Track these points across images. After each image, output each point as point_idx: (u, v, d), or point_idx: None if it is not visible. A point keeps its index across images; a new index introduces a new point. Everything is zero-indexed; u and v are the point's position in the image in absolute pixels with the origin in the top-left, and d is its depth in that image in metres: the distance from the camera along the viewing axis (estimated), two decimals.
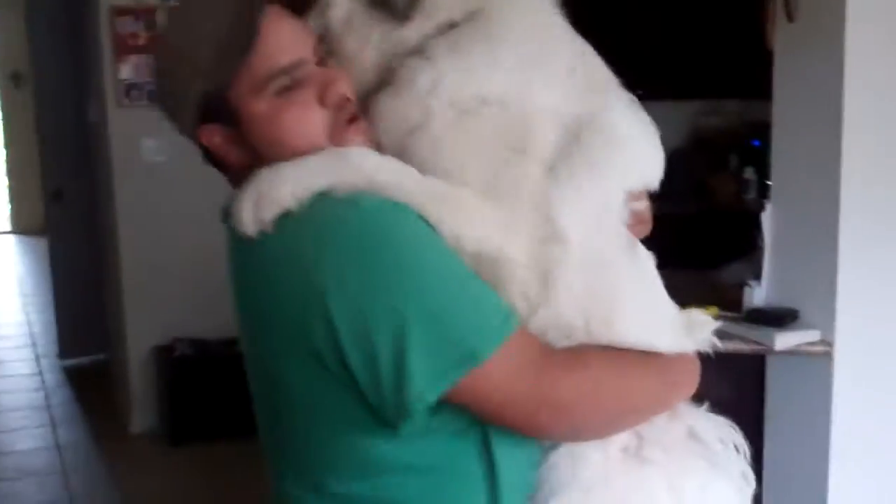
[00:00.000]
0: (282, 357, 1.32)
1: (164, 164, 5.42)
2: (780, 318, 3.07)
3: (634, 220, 1.45)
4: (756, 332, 3.05)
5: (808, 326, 3.04)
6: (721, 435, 1.53)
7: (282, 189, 1.28)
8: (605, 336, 1.37)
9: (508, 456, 1.36)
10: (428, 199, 1.29)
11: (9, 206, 12.68)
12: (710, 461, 1.49)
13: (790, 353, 3.03)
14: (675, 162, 5.24)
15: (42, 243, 11.39)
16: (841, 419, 3.05)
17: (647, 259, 1.49)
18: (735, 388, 3.36)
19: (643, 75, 5.76)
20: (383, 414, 1.27)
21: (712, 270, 3.71)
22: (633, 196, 1.44)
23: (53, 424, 5.91)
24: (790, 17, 2.92)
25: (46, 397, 6.43)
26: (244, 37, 1.31)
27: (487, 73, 1.35)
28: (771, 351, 3.01)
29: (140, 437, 5.62)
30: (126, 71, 5.43)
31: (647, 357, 1.40)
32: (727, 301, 3.24)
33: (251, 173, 1.33)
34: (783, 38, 3.03)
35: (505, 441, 1.35)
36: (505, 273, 1.31)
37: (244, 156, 1.38)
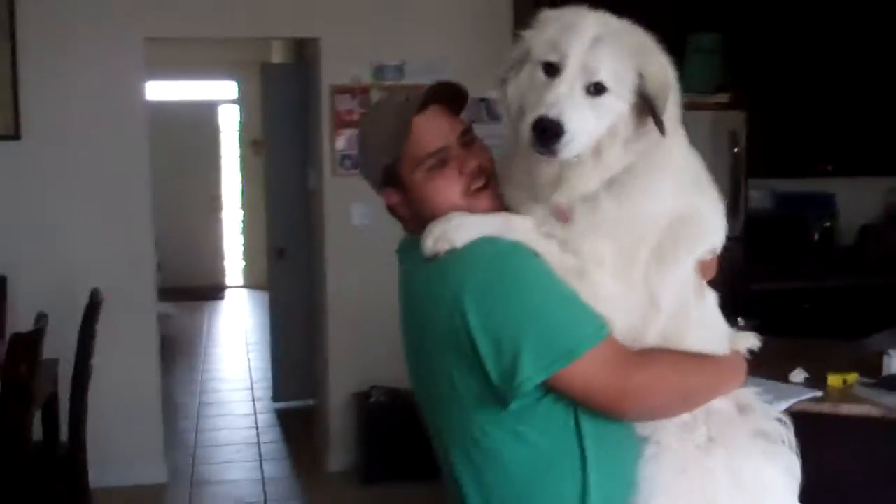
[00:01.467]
0: (435, 351, 1.87)
1: (370, 227, 5.96)
2: None
3: (703, 270, 1.95)
4: (888, 398, 3.22)
5: None
6: (779, 430, 1.97)
7: (459, 233, 1.83)
8: (676, 347, 1.88)
9: (594, 436, 1.83)
10: (559, 265, 1.81)
11: (242, 263, 13.69)
12: (767, 451, 1.93)
13: None
14: (868, 236, 5.48)
15: (267, 298, 12.33)
16: None
17: (710, 294, 1.99)
18: (869, 457, 3.50)
19: (838, 152, 6.02)
20: (501, 393, 1.77)
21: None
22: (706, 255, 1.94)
23: (261, 459, 6.49)
24: None
25: (258, 435, 7.05)
26: (403, 130, 1.89)
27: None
28: None
29: (336, 475, 6.11)
30: (341, 143, 6.01)
31: (702, 357, 1.89)
32: (870, 368, 3.43)
33: (418, 223, 1.92)
34: None
35: (591, 423, 1.82)
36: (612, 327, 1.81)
37: (412, 211, 1.97)
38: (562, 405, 1.81)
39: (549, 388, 1.78)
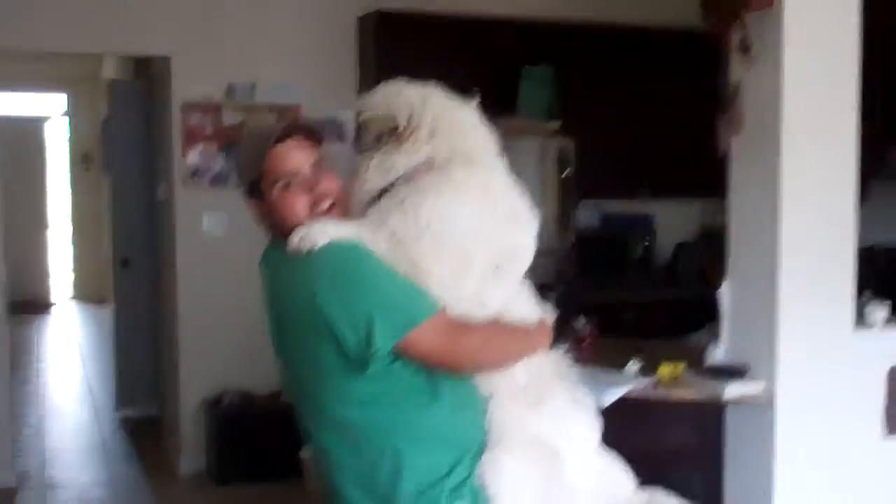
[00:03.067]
0: (299, 333, 2.28)
1: (221, 237, 6.18)
2: (733, 372, 3.74)
3: None
4: (712, 384, 3.71)
5: (756, 378, 3.71)
6: (585, 396, 2.51)
7: (317, 237, 2.22)
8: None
9: (443, 383, 2.28)
10: (401, 264, 2.25)
11: (72, 277, 13.55)
12: (577, 399, 2.47)
13: (738, 401, 3.69)
14: (683, 253, 6.00)
15: (98, 311, 12.25)
16: (782, 456, 3.70)
17: (528, 287, 2.52)
18: (701, 434, 4.02)
19: (656, 176, 6.54)
20: (358, 360, 2.18)
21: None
22: None
23: (109, 463, 6.59)
24: (736, 131, 3.67)
25: (103, 441, 7.13)
26: (261, 155, 2.32)
27: (452, 210, 2.32)
28: (720, 399, 3.67)
29: (187, 477, 6.26)
30: (193, 157, 6.18)
31: (517, 326, 2.41)
32: (694, 360, 3.92)
33: (276, 230, 2.35)
34: (734, 147, 3.78)
35: (441, 380, 2.27)
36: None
37: (271, 220, 2.36)
38: (411, 365, 2.26)
39: (398, 354, 2.22)
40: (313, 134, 2.42)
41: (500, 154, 2.51)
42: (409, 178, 2.32)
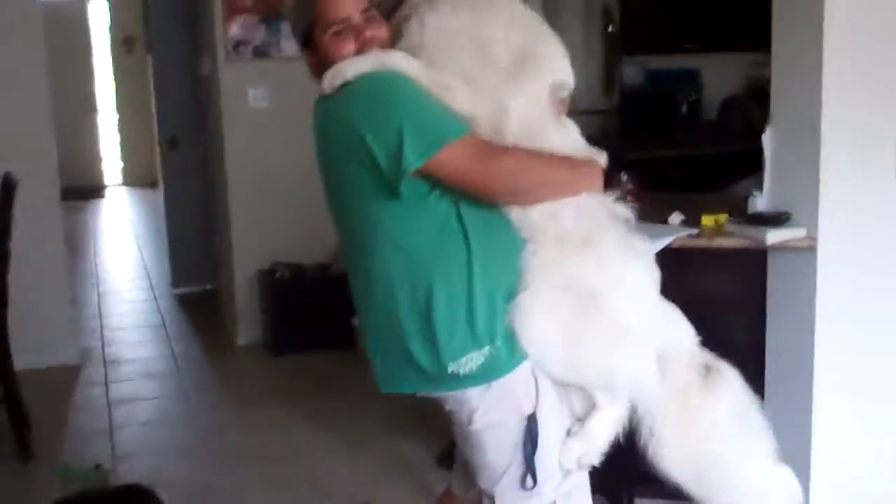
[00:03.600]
0: (342, 164, 2.34)
1: (267, 110, 6.23)
2: (775, 219, 3.71)
3: (560, 103, 2.49)
4: (754, 231, 3.69)
5: (797, 225, 3.68)
6: (643, 244, 2.46)
7: (346, 69, 2.31)
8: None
9: (475, 225, 2.30)
10: (427, 81, 2.31)
11: (120, 163, 13.68)
12: (631, 257, 2.41)
13: (781, 247, 3.67)
14: (730, 108, 5.98)
15: (148, 195, 12.41)
16: (824, 302, 3.69)
17: (569, 123, 2.51)
18: (743, 282, 4.02)
19: (702, 29, 6.43)
20: (393, 181, 2.23)
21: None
22: (556, 90, 2.46)
23: (169, 339, 6.78)
24: None
25: (162, 317, 7.31)
26: (312, 3, 2.36)
27: (454, 13, 2.39)
28: (764, 245, 3.66)
29: (245, 349, 6.45)
30: (235, 29, 6.20)
31: (560, 156, 2.37)
32: (738, 209, 3.90)
33: None
34: None
35: (472, 214, 2.30)
36: (473, 125, 2.30)
37: (324, 69, 2.38)
38: (444, 200, 2.30)
39: (432, 184, 2.27)
40: None
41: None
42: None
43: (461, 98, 2.30)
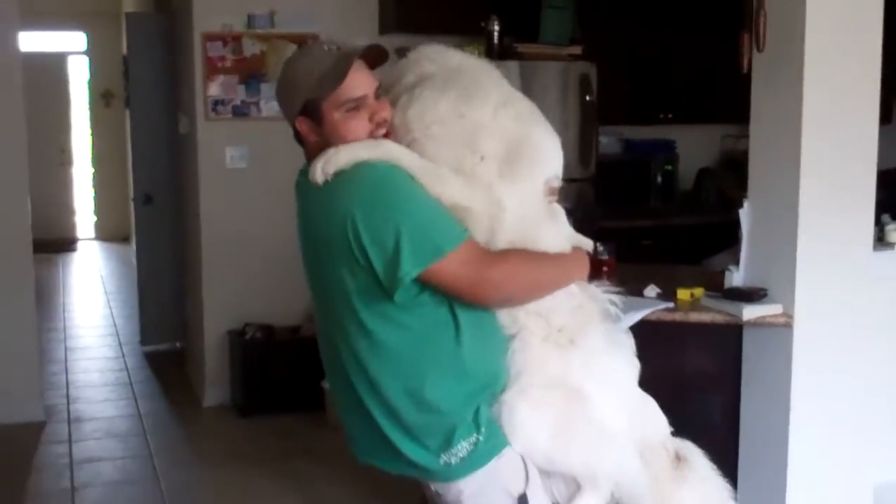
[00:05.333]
0: (332, 258, 2.26)
1: (244, 171, 6.21)
2: (752, 295, 3.72)
3: (550, 193, 2.49)
4: (730, 307, 3.69)
5: (774, 301, 3.68)
6: (624, 338, 2.54)
7: (340, 157, 2.25)
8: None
9: (466, 323, 2.29)
10: (423, 173, 2.29)
11: (94, 217, 13.62)
12: (613, 349, 2.45)
13: (757, 323, 3.67)
14: (705, 178, 6.01)
15: (121, 249, 12.34)
16: (799, 378, 3.68)
17: (559, 211, 2.53)
18: (719, 357, 4.01)
19: (678, 101, 6.51)
20: (388, 286, 2.19)
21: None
22: (548, 181, 2.47)
23: (136, 397, 6.67)
24: (759, 48, 3.61)
25: (129, 375, 7.21)
26: (337, 77, 2.27)
27: (434, 104, 2.38)
28: (740, 321, 3.65)
29: (213, 409, 6.35)
30: (214, 88, 6.20)
31: (550, 254, 2.40)
32: (713, 283, 3.91)
33: (321, 151, 2.30)
34: (756, 66, 3.71)
35: (464, 313, 2.28)
36: (469, 218, 2.31)
37: (319, 140, 2.34)
38: (437, 298, 2.26)
39: (426, 284, 2.23)
40: (381, 56, 2.42)
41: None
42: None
43: (457, 190, 2.30)
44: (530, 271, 2.35)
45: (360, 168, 2.22)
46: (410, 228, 2.17)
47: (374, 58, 2.39)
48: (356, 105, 2.29)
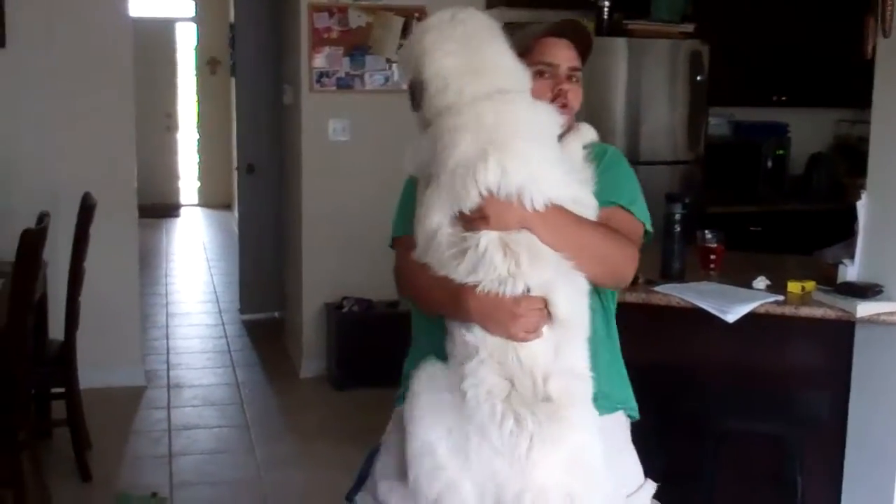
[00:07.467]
0: None
1: (346, 143, 6.19)
2: (866, 291, 3.56)
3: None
4: (843, 302, 3.54)
5: (890, 299, 3.52)
6: None
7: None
8: None
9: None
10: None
11: (197, 183, 13.81)
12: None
13: (871, 321, 3.51)
14: (817, 164, 5.77)
15: (223, 216, 12.49)
16: None
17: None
18: (828, 354, 3.86)
19: (792, 84, 6.27)
20: None
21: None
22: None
23: (234, 366, 6.74)
24: (885, 33, 3.43)
25: (228, 344, 7.29)
26: (530, 34, 2.36)
27: None
28: (853, 317, 3.50)
29: (308, 381, 6.38)
30: (320, 60, 6.19)
31: (451, 282, 2.20)
32: (826, 277, 3.75)
33: None
34: (880, 52, 3.54)
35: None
36: None
37: None
38: None
39: None
40: (586, 48, 2.43)
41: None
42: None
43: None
44: (426, 288, 2.27)
45: None
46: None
47: (579, 41, 2.41)
48: (542, 70, 2.33)
